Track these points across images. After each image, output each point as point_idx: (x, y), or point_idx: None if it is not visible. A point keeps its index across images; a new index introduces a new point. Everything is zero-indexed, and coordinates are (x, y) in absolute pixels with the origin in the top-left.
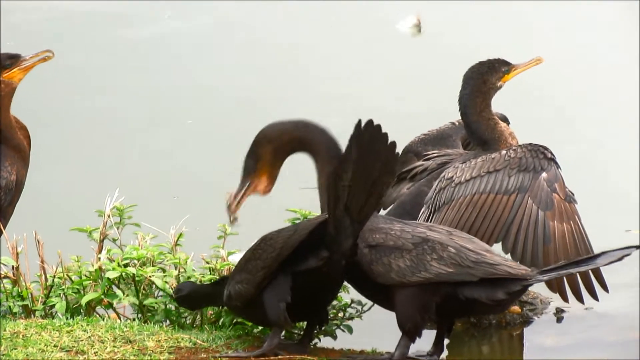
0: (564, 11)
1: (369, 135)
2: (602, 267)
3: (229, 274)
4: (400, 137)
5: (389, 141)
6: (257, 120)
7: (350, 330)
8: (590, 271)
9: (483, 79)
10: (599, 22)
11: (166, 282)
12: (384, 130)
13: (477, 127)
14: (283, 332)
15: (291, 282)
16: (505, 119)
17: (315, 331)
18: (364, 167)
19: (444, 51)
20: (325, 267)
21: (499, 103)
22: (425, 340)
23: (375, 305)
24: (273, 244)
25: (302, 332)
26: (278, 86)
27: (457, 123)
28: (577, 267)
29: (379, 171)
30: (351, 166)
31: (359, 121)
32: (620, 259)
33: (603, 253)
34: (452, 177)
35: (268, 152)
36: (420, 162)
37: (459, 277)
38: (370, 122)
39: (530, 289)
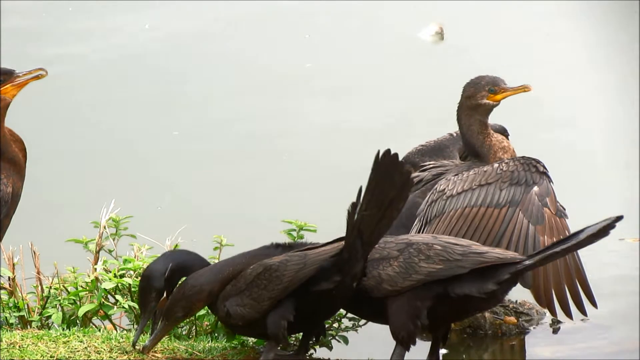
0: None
1: (385, 163)
2: (586, 244)
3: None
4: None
5: (405, 169)
6: (249, 133)
7: (345, 340)
8: (579, 286)
9: (466, 94)
10: None
11: None
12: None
13: (467, 139)
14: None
15: (296, 302)
16: (503, 131)
17: (311, 342)
18: (379, 194)
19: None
20: (336, 289)
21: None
22: (422, 352)
23: None
24: (280, 277)
25: (297, 343)
26: (275, 100)
27: (454, 134)
28: (561, 246)
29: (393, 197)
30: (368, 195)
31: (378, 152)
32: (602, 233)
33: (584, 229)
34: (444, 189)
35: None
36: (416, 173)
37: (450, 271)
38: (387, 151)
39: (526, 299)
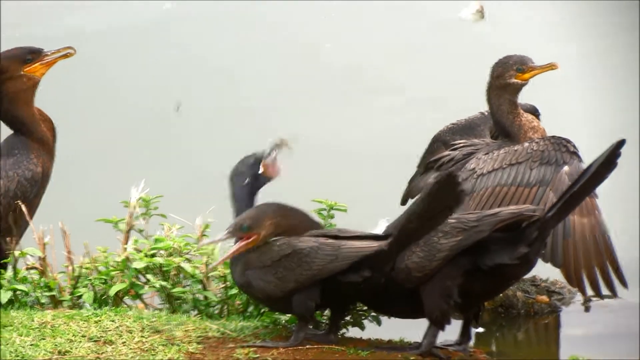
0: None
1: (445, 186)
2: (599, 178)
3: None
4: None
5: (462, 193)
6: (280, 113)
7: (378, 321)
8: (609, 266)
9: (495, 74)
10: None
11: (196, 267)
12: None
13: (497, 119)
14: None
15: (323, 286)
16: (534, 111)
17: (343, 321)
18: (431, 211)
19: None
20: (364, 283)
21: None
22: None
23: None
24: (309, 262)
25: (329, 322)
26: (303, 78)
27: (485, 113)
28: (577, 185)
29: (441, 215)
30: (420, 210)
31: (439, 175)
32: (610, 160)
33: (592, 163)
34: (474, 168)
35: (269, 226)
36: (447, 152)
37: (470, 239)
38: (450, 174)
39: (557, 279)
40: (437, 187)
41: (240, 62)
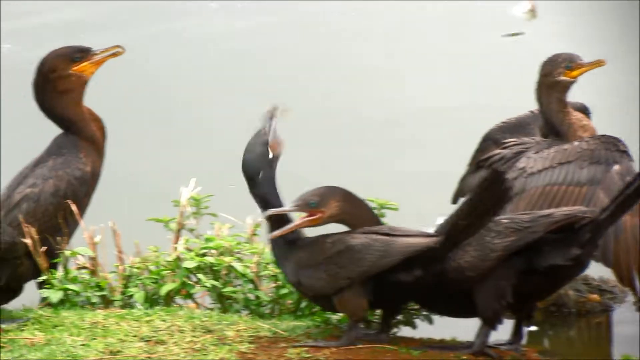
0: None
1: (494, 183)
2: None
3: None
4: None
5: (510, 189)
6: (335, 113)
7: (429, 320)
8: None
9: (544, 72)
10: None
11: (247, 266)
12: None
13: (547, 118)
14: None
15: (374, 286)
16: (584, 109)
17: (394, 320)
18: (481, 207)
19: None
20: (415, 283)
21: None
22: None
23: None
24: (361, 259)
25: (381, 321)
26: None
27: (535, 111)
28: (630, 188)
29: (491, 212)
30: (470, 207)
31: (489, 172)
32: None
33: None
34: (524, 167)
35: (335, 207)
36: (497, 151)
37: (524, 240)
38: (497, 172)
39: (609, 277)
40: (484, 184)
41: (298, 67)
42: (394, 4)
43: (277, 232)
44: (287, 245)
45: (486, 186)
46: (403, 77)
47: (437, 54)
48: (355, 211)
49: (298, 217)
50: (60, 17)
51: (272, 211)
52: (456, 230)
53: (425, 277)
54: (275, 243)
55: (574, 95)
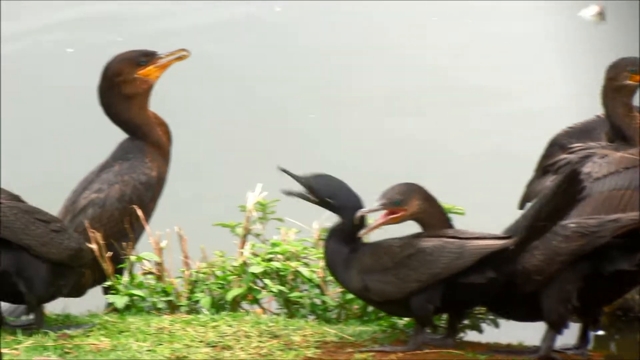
0: None
1: (571, 183)
2: None
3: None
4: None
5: (582, 187)
6: (397, 115)
7: (496, 324)
8: None
9: (608, 77)
10: None
11: (313, 271)
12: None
13: (613, 122)
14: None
15: (444, 290)
16: None
17: (461, 325)
18: (557, 207)
19: None
20: (486, 285)
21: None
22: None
23: None
24: (433, 262)
25: (447, 326)
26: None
27: (601, 116)
28: None
29: (565, 211)
30: (548, 207)
31: (567, 172)
32: None
33: None
34: (590, 172)
35: (416, 205)
36: (563, 155)
37: (591, 244)
38: (574, 171)
39: None
40: (562, 184)
41: (357, 59)
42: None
43: (364, 231)
44: (348, 253)
45: (564, 186)
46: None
47: (511, 57)
48: (433, 210)
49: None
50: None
51: (362, 212)
52: (534, 232)
53: (497, 279)
54: (334, 251)
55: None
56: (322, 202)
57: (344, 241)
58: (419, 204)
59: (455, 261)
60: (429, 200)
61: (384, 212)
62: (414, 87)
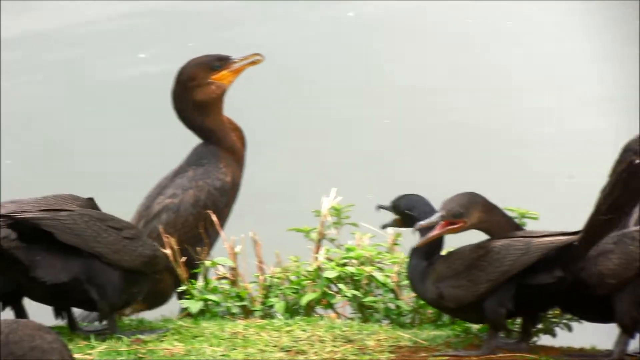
0: None
1: (634, 173)
2: None
3: None
4: None
5: None
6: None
7: (569, 328)
8: None
9: None
10: None
11: (387, 276)
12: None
13: None
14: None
15: (514, 291)
16: None
17: (534, 329)
18: (622, 199)
19: None
20: (555, 285)
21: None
22: None
23: None
24: (500, 259)
25: (520, 330)
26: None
27: None
28: None
29: (629, 203)
30: (610, 199)
31: (629, 161)
32: None
33: None
34: None
35: (476, 217)
36: (637, 160)
37: None
38: (631, 161)
39: None
40: (621, 177)
41: (422, 78)
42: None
43: (421, 241)
44: (425, 266)
45: (623, 179)
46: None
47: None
48: (495, 219)
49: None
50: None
51: (421, 224)
52: (595, 226)
53: (565, 278)
54: (414, 266)
55: None
56: (403, 215)
57: (424, 256)
58: (479, 216)
59: (521, 257)
60: (490, 210)
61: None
62: (491, 99)
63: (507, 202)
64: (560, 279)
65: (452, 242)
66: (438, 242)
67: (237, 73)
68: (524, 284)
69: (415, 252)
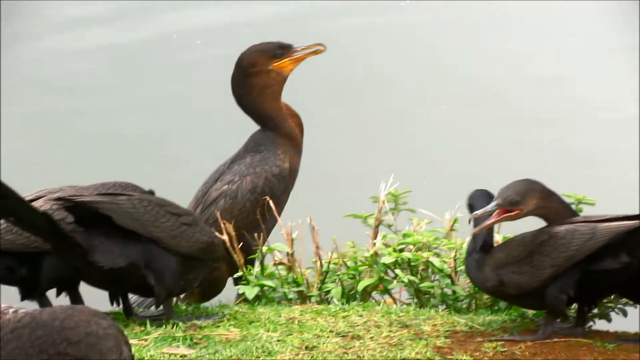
0: None
1: None
2: None
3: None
4: None
5: None
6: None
7: (624, 313)
8: None
9: None
10: None
11: (444, 261)
12: None
13: None
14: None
15: (578, 277)
16: None
17: (590, 314)
18: None
19: None
20: (621, 270)
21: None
22: None
23: None
24: (565, 244)
25: (576, 315)
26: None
27: None
28: None
29: None
30: None
31: None
32: None
33: None
34: None
35: (533, 203)
36: None
37: None
38: None
39: None
40: None
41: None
42: None
43: (476, 229)
44: (482, 254)
45: None
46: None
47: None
48: (552, 205)
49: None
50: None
51: (476, 213)
52: None
53: (632, 263)
54: (471, 257)
55: None
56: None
57: (480, 246)
58: (536, 202)
59: (588, 242)
60: (548, 197)
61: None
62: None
63: (564, 189)
64: (627, 264)
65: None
66: (491, 231)
67: (298, 62)
68: (589, 269)
69: (472, 241)
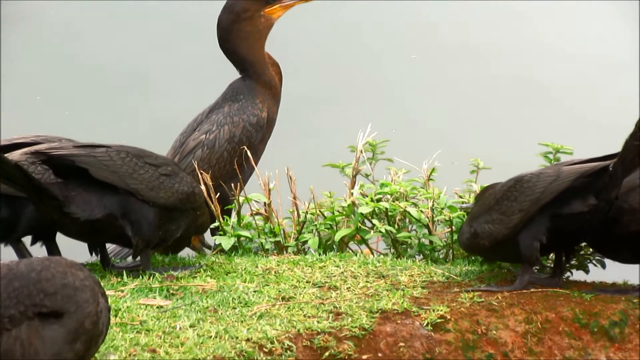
0: None
1: None
2: None
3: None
4: None
5: None
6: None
7: (602, 264)
8: None
9: None
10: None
11: (422, 211)
12: None
13: None
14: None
15: (548, 223)
16: None
17: (567, 265)
18: None
19: None
20: (589, 213)
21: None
22: None
23: None
24: (532, 187)
25: (553, 266)
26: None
27: None
28: None
29: None
30: None
31: None
32: None
33: None
34: None
35: None
36: None
37: None
38: None
39: None
40: None
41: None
42: None
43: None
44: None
45: None
46: None
47: None
48: None
49: None
50: None
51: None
52: (629, 152)
53: (600, 206)
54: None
55: None
56: None
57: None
58: None
59: (552, 184)
60: None
61: None
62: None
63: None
64: (595, 206)
65: None
66: None
67: (287, 8)
68: (559, 214)
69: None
